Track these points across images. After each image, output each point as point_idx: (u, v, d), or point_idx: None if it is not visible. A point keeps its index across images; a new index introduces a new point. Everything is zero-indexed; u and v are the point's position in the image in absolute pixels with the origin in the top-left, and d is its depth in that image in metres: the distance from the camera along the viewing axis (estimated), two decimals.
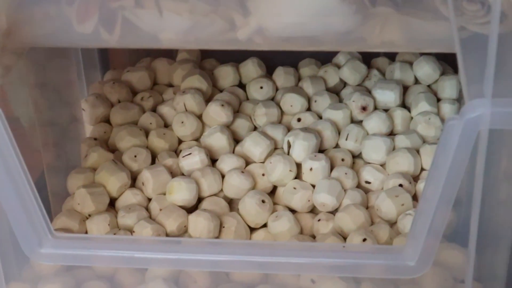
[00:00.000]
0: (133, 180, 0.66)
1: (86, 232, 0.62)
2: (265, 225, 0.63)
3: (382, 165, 0.66)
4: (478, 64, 0.46)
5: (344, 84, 0.74)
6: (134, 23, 0.51)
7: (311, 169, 0.64)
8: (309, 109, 0.72)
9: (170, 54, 0.78)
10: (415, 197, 0.63)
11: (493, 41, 0.45)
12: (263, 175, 0.65)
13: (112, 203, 0.65)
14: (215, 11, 0.50)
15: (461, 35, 0.47)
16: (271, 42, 0.52)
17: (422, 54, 0.74)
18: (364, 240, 0.57)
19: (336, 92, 0.74)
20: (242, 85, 0.75)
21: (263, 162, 0.66)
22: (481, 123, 0.47)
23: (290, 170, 0.65)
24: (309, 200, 0.63)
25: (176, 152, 0.68)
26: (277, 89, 0.74)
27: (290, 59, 0.76)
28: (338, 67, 0.75)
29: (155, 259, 0.53)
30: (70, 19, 0.51)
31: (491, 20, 0.45)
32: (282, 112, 0.72)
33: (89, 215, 0.63)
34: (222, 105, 0.69)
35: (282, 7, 0.50)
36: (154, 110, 0.73)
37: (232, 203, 0.65)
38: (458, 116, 0.47)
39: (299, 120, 0.70)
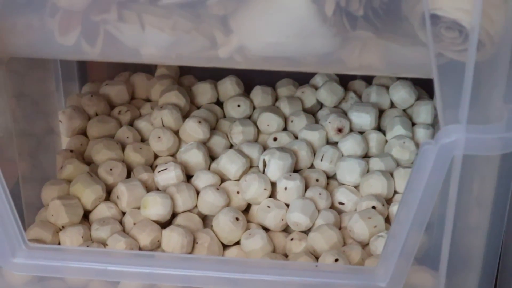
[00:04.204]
0: (108, 193, 0.66)
1: (59, 244, 0.62)
2: (238, 243, 0.63)
3: (356, 186, 0.67)
4: (454, 90, 0.47)
5: (320, 105, 0.75)
6: (116, 37, 0.51)
7: (285, 188, 0.65)
8: (285, 128, 0.72)
9: (148, 69, 0.79)
10: (387, 220, 0.63)
11: (469, 69, 0.46)
12: (237, 192, 0.66)
13: (86, 216, 0.65)
14: (197, 29, 0.51)
15: (438, 61, 0.47)
16: (251, 61, 0.53)
17: (398, 78, 0.74)
18: (336, 260, 0.58)
19: (312, 113, 0.74)
20: (219, 103, 0.75)
21: (238, 180, 0.67)
22: (456, 149, 0.47)
23: (265, 189, 0.65)
24: (282, 219, 0.64)
25: (152, 167, 0.69)
26: (254, 108, 0.75)
27: (268, 78, 0.77)
28: (316, 88, 0.75)
29: (128, 272, 0.53)
30: (52, 31, 0.51)
31: (468, 47, 0.45)
32: (258, 131, 0.72)
33: (63, 227, 0.63)
34: (199, 122, 0.69)
35: (264, 27, 0.50)
36: (131, 124, 0.73)
37: (206, 220, 0.65)
38: (433, 141, 0.48)
39: (275, 139, 0.70)
